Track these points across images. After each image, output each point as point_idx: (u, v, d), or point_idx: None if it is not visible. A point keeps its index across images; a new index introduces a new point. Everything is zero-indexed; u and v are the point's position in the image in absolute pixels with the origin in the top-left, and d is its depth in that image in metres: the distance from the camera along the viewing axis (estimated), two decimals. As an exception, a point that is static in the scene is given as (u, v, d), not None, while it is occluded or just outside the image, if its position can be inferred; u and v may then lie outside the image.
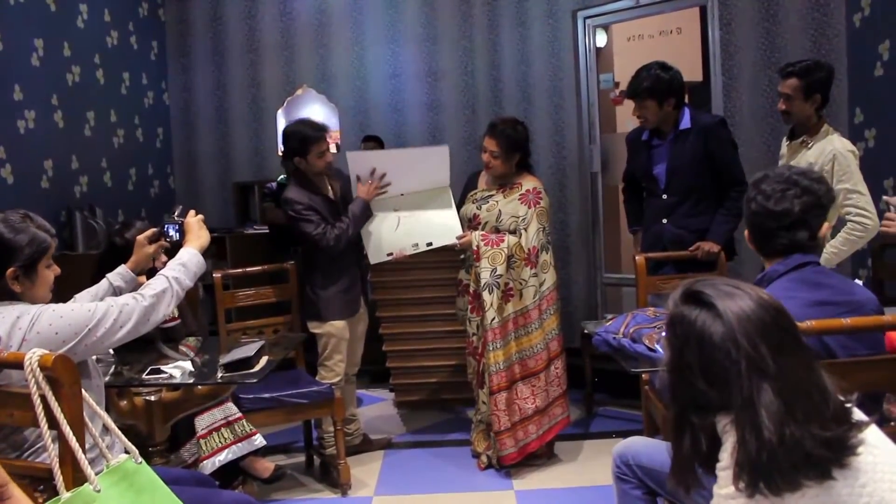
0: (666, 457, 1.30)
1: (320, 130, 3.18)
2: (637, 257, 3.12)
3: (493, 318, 3.07)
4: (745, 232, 1.84)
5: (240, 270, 3.54)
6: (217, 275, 3.32)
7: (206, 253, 2.09)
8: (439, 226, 3.23)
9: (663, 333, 1.32)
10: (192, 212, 2.20)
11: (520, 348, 3.15)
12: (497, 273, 3.06)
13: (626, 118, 4.23)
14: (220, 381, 2.43)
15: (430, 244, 3.25)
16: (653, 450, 1.82)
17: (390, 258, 3.28)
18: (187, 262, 2.00)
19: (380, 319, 3.98)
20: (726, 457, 1.16)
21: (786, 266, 1.73)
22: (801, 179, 1.73)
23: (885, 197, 2.38)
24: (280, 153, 4.87)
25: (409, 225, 3.24)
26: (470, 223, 3.25)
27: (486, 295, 3.07)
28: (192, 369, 2.47)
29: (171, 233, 2.33)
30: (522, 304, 3.13)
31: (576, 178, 4.65)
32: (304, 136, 3.13)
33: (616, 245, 4.68)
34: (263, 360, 2.51)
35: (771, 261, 1.78)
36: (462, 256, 3.32)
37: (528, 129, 3.27)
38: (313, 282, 3.23)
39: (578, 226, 4.67)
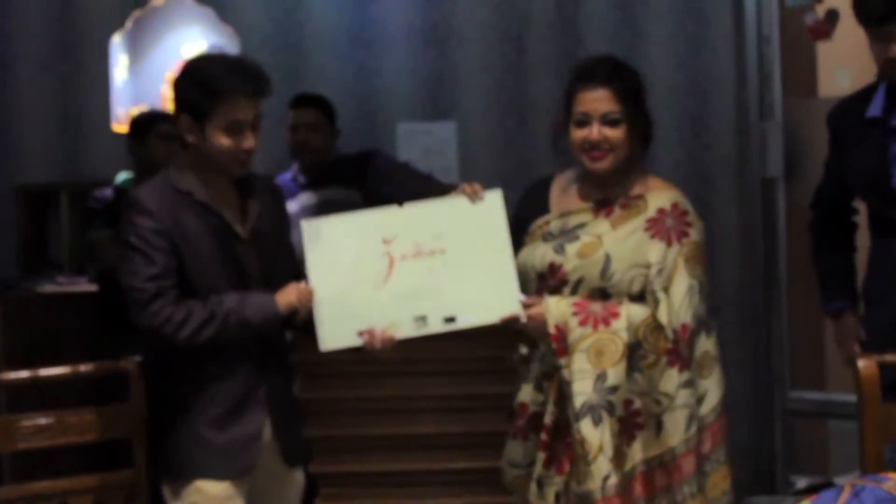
0: None
1: (251, 80, 3.17)
2: (860, 361, 3.10)
3: (609, 477, 3.07)
4: None
5: (25, 375, 3.49)
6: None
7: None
8: (477, 283, 3.21)
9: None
10: None
11: None
12: (609, 383, 3.11)
13: (839, 67, 4.46)
14: None
15: (451, 320, 3.21)
16: None
17: (362, 343, 3.20)
18: None
19: (315, 479, 4.00)
20: None
21: None
22: None
23: None
24: (121, 125, 5.11)
25: (414, 276, 3.22)
26: (542, 281, 3.29)
27: (586, 427, 3.08)
28: None
29: None
30: (664, 445, 3.17)
31: (730, 186, 4.86)
32: (212, 82, 3.14)
33: (816, 329, 4.72)
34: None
35: None
36: (523, 352, 3.35)
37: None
38: (164, 396, 3.29)
39: (737, 285, 4.85)
